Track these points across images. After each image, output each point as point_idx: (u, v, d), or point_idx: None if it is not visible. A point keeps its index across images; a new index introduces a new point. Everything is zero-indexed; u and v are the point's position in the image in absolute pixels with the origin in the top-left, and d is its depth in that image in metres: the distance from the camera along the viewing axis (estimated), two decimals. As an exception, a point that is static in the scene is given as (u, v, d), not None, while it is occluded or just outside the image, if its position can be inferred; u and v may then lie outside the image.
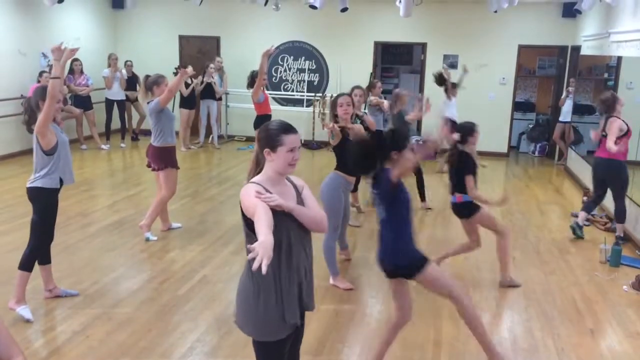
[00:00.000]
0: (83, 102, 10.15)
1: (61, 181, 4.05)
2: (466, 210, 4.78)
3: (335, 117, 4.82)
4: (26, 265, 4.06)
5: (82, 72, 10.15)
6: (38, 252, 4.13)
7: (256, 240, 2.01)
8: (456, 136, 4.70)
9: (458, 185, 4.70)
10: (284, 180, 2.48)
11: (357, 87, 6.29)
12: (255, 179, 2.43)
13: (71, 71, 10.04)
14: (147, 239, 5.67)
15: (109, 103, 10.57)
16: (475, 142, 4.71)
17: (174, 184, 5.82)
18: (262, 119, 7.76)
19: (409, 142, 3.30)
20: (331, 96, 6.34)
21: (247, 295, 2.43)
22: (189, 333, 3.92)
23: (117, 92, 10.56)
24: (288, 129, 2.42)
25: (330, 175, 4.78)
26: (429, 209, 7.14)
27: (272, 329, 2.42)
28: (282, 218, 2.28)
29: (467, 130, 4.69)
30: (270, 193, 2.31)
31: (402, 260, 3.28)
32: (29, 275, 4.09)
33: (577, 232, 6.11)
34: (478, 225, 4.86)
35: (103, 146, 10.41)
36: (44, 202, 4.03)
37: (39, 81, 8.86)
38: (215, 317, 4.16)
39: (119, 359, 3.57)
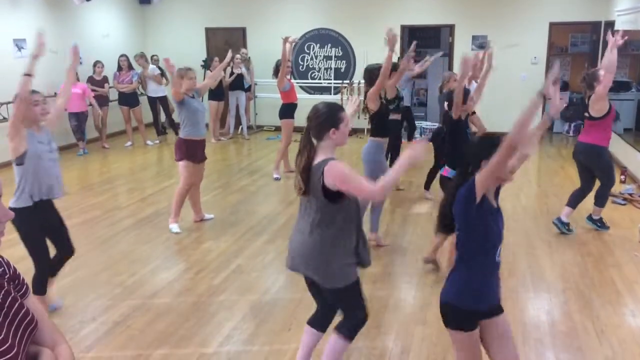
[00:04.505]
0: (128, 99, 10.18)
1: (35, 197, 3.64)
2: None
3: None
4: (37, 289, 3.75)
5: (130, 67, 10.18)
6: (43, 272, 3.87)
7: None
8: (446, 105, 4.76)
9: (449, 157, 4.56)
10: None
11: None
12: (328, 158, 2.68)
13: (118, 67, 10.16)
14: (172, 231, 5.74)
15: (152, 100, 10.59)
16: (469, 108, 4.53)
17: (189, 177, 5.70)
18: (288, 108, 7.77)
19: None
20: (359, 83, 6.32)
21: (322, 249, 2.75)
22: (225, 322, 3.98)
23: (156, 89, 10.56)
24: (340, 106, 2.82)
25: (369, 144, 5.10)
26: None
27: (351, 272, 2.81)
28: None
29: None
30: None
31: (455, 301, 2.52)
32: (45, 297, 3.88)
33: (562, 230, 5.63)
34: None
35: (149, 142, 10.55)
36: (18, 223, 3.60)
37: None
38: (251, 305, 4.21)
39: (158, 348, 3.65)
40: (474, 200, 2.37)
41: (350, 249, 2.79)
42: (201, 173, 5.96)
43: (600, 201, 5.65)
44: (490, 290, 2.52)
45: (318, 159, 2.71)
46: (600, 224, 5.72)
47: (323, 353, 3.00)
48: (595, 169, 5.56)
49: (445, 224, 2.64)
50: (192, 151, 5.67)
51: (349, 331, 2.92)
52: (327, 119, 2.70)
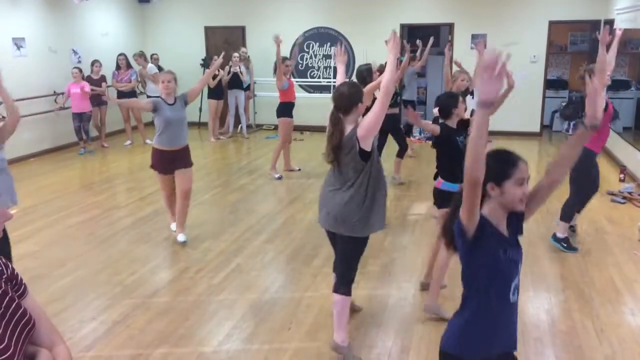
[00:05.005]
0: (127, 98, 10.08)
1: None
2: (440, 199, 4.02)
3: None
4: None
5: (128, 66, 10.14)
6: None
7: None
8: (435, 111, 4.25)
9: (441, 167, 4.08)
10: None
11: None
12: (355, 126, 3.17)
13: (117, 66, 10.14)
14: (172, 230, 5.73)
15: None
16: (460, 113, 4.05)
17: (162, 186, 5.51)
18: (285, 106, 7.79)
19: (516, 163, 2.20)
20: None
21: (357, 204, 3.20)
22: (225, 321, 3.98)
23: (156, 89, 10.47)
24: (357, 83, 3.49)
25: None
26: None
27: (370, 226, 3.26)
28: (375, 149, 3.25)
29: (449, 103, 4.05)
30: None
31: (455, 349, 2.12)
32: None
33: (562, 246, 5.20)
34: None
35: (148, 141, 10.50)
36: None
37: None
38: (251, 304, 4.21)
39: (158, 347, 3.65)
40: (465, 235, 1.99)
41: (381, 204, 3.28)
42: (182, 184, 5.33)
43: (565, 215, 5.24)
44: (501, 336, 2.10)
45: (347, 130, 3.20)
46: (565, 244, 5.16)
47: (334, 317, 3.45)
48: (574, 170, 4.93)
49: (448, 240, 2.17)
50: (159, 161, 5.32)
51: (345, 289, 3.39)
52: (355, 96, 3.23)
